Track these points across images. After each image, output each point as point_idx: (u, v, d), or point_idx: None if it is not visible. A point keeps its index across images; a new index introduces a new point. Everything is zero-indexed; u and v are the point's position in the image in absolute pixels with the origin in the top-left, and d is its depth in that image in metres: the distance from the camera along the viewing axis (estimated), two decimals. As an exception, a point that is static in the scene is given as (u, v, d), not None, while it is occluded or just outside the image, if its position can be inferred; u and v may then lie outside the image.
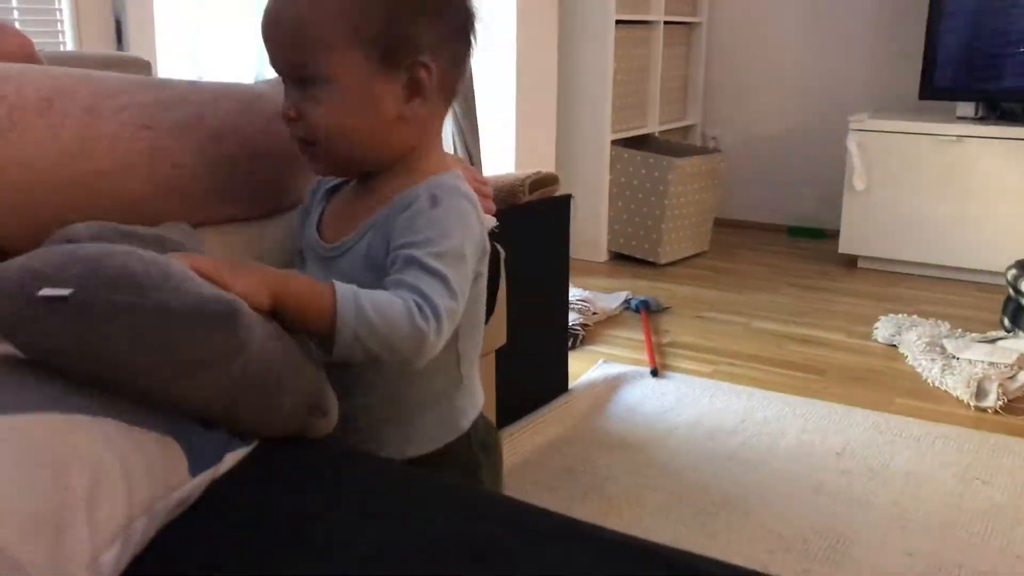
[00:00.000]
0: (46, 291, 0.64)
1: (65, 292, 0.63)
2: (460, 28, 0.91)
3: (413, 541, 0.68)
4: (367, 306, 0.80)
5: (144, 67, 1.70)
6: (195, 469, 0.71)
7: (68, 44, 2.08)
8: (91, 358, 0.65)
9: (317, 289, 0.81)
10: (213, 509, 0.70)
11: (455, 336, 0.95)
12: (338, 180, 1.01)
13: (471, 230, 0.89)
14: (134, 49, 2.14)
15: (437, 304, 0.82)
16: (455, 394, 1.01)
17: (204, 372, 0.68)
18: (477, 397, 1.05)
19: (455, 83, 0.93)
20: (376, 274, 0.87)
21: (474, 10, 0.92)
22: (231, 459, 0.75)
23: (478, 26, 0.93)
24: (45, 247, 0.76)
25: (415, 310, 0.81)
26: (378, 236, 0.89)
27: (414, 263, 0.84)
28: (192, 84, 1.05)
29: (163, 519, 0.66)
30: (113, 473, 0.61)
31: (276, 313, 0.79)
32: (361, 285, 0.83)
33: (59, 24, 2.06)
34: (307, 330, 0.82)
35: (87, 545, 0.56)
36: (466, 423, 1.03)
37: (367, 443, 0.96)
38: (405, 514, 0.72)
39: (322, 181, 1.02)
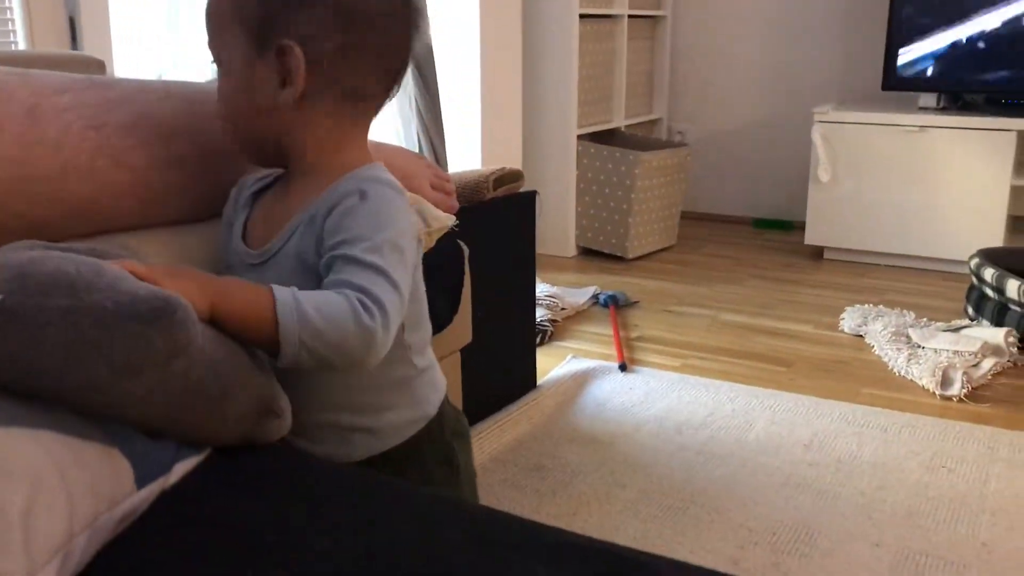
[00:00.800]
0: None
1: None
2: (348, 20, 0.86)
3: (369, 549, 0.66)
4: (309, 309, 0.78)
5: (98, 67, 1.66)
6: (142, 481, 0.68)
7: (20, 44, 2.03)
8: (24, 367, 0.63)
9: (256, 295, 0.79)
10: (161, 521, 0.68)
11: (400, 330, 0.94)
12: (261, 184, 0.99)
13: (403, 220, 0.88)
14: (88, 49, 2.09)
15: (381, 298, 0.81)
16: (413, 385, 1.00)
17: (144, 376, 0.66)
18: (438, 383, 1.05)
19: (351, 82, 0.89)
20: (308, 276, 0.85)
21: (382, 6, 0.88)
22: (181, 469, 0.73)
23: (388, 23, 0.89)
24: None
25: (359, 308, 0.79)
26: (307, 236, 0.87)
27: (351, 261, 0.82)
28: (138, 83, 1.02)
29: (108, 534, 0.63)
30: (51, 488, 0.58)
31: (215, 322, 0.77)
32: (289, 282, 0.82)
33: (10, 23, 2.01)
34: (249, 339, 0.79)
35: (22, 565, 0.54)
36: (431, 409, 1.02)
37: (336, 449, 0.95)
38: (362, 522, 0.71)
39: (243, 187, 0.99)
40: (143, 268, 0.73)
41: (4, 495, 0.55)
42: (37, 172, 0.88)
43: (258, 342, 0.79)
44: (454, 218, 1.38)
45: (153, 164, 0.98)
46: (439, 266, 1.43)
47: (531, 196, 2.12)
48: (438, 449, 1.02)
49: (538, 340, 2.52)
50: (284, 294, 0.78)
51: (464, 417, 1.11)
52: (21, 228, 0.84)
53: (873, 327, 2.61)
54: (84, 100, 0.94)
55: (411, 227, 0.89)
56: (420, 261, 0.95)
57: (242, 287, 0.80)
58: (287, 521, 0.70)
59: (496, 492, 1.78)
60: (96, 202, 0.94)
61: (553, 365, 2.42)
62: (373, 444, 0.97)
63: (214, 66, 0.92)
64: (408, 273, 0.86)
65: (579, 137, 3.49)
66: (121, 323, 0.63)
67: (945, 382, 2.24)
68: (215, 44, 0.89)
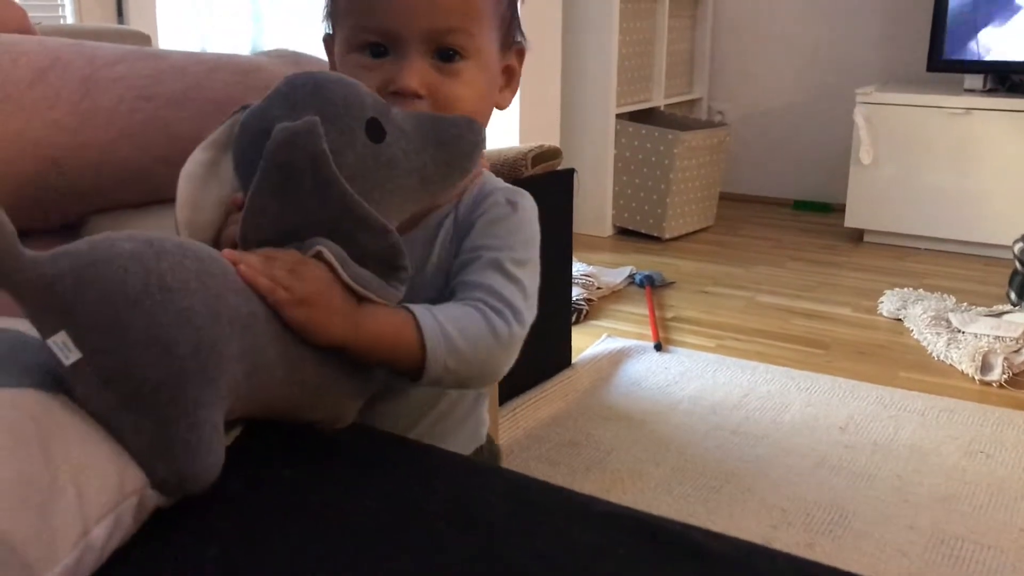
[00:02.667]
0: (55, 344, 0.60)
1: (71, 359, 0.61)
2: None
3: (406, 511, 0.68)
4: (452, 331, 0.74)
5: (144, 41, 1.68)
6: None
7: (68, 18, 2.06)
8: None
9: (397, 317, 0.73)
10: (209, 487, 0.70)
11: None
12: None
13: (539, 237, 0.86)
14: (134, 23, 2.13)
15: (520, 309, 0.78)
16: (479, 405, 0.98)
17: None
18: (487, 409, 1.02)
19: None
20: (441, 279, 0.82)
21: None
22: (228, 437, 0.75)
23: None
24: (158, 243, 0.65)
25: (497, 322, 0.76)
26: (452, 242, 0.83)
27: (495, 266, 0.79)
28: (189, 55, 1.04)
29: (157, 499, 0.65)
30: (102, 452, 0.60)
31: (349, 350, 0.72)
32: (428, 295, 0.79)
33: (58, -3, 2.04)
34: (387, 363, 0.75)
35: (77, 518, 0.55)
36: (484, 432, 1.00)
37: None
38: (398, 484, 0.72)
39: None
40: (283, 296, 0.67)
41: (57, 452, 0.57)
42: (90, 140, 0.90)
43: (398, 367, 0.75)
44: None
45: (204, 135, 0.99)
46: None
47: (569, 174, 2.12)
48: None
49: (574, 319, 2.53)
50: (426, 316, 0.74)
51: (495, 440, 1.09)
52: (74, 193, 0.86)
53: (912, 311, 2.58)
54: (136, 71, 0.96)
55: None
56: None
57: (380, 315, 0.72)
58: (324, 482, 0.72)
59: (531, 468, 1.79)
60: (147, 171, 0.96)
61: (588, 344, 2.43)
62: None
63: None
64: (537, 290, 0.84)
65: (618, 116, 3.48)
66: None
67: (985, 367, 2.21)
68: (465, 34, 0.80)
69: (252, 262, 0.68)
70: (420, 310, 0.74)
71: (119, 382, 0.61)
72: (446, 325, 0.74)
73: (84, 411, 0.61)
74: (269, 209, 0.69)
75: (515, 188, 0.87)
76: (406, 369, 0.75)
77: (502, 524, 0.66)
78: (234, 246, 0.70)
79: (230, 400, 0.67)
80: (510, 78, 0.88)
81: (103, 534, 0.59)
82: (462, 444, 0.96)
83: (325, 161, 0.68)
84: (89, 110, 0.90)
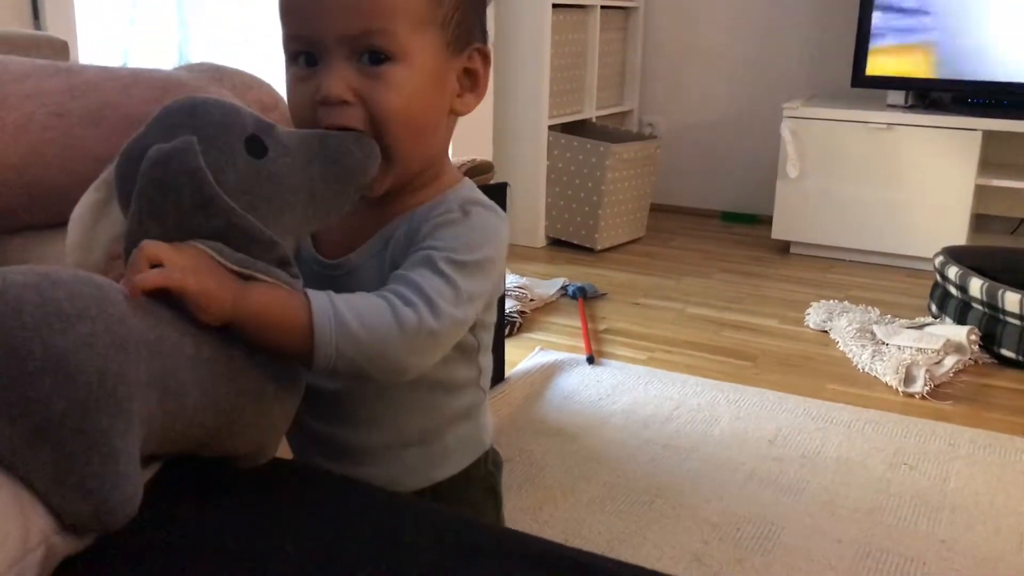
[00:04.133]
0: None
1: None
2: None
3: (329, 552, 0.66)
4: (348, 316, 0.72)
5: (61, 47, 1.62)
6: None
7: (-20, 22, 1.98)
8: None
9: (289, 298, 0.72)
10: (121, 533, 0.67)
11: (477, 350, 0.90)
12: None
13: (498, 247, 0.83)
14: (52, 28, 2.05)
15: (438, 304, 0.75)
16: (479, 411, 0.96)
17: None
18: (489, 415, 1.01)
19: None
20: None
21: None
22: (145, 474, 0.72)
23: None
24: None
25: (405, 312, 0.73)
26: (399, 253, 0.82)
27: (425, 262, 0.77)
28: (104, 70, 1.00)
29: (67, 548, 0.62)
30: (4, 504, 0.57)
31: (234, 326, 0.70)
32: None
33: (-31, 0, 1.96)
34: (276, 345, 0.73)
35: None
36: (488, 440, 0.99)
37: (389, 471, 0.89)
38: (322, 524, 0.70)
39: None
40: (176, 273, 0.66)
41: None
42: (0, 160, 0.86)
43: (287, 349, 0.73)
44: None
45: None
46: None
47: (502, 188, 2.11)
48: (482, 479, 0.98)
49: (507, 331, 2.51)
50: (320, 299, 0.72)
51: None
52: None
53: (838, 323, 2.63)
54: (47, 87, 0.92)
55: (503, 255, 0.84)
56: (503, 287, 0.91)
57: (271, 288, 0.71)
58: (248, 526, 0.69)
59: (462, 485, 1.77)
60: (61, 190, 0.92)
61: (521, 357, 2.42)
62: (428, 472, 0.92)
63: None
64: (483, 295, 0.81)
65: (550, 128, 3.49)
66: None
67: (908, 379, 2.26)
68: (388, 34, 0.77)
69: (135, 263, 0.66)
70: (317, 294, 0.73)
71: (20, 416, 0.59)
72: (343, 311, 0.73)
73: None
74: (151, 232, 0.69)
75: (479, 198, 0.85)
76: (296, 351, 0.73)
77: (435, 566, 0.64)
78: None
79: (144, 429, 0.64)
80: (474, 81, 0.86)
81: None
82: (457, 452, 0.94)
83: (203, 177, 0.68)
84: (-4, 128, 0.86)
